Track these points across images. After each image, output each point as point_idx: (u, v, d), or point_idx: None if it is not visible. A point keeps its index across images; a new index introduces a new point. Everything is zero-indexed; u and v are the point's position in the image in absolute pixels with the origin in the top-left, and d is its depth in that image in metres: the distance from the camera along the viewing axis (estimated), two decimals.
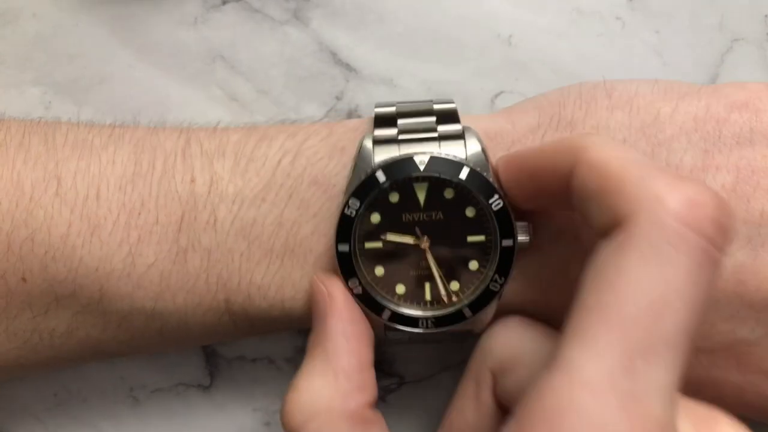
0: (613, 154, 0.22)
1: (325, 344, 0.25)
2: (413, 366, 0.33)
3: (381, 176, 0.26)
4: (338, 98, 0.33)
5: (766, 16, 0.33)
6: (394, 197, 0.26)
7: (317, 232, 0.27)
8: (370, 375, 0.26)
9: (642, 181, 0.20)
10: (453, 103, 0.27)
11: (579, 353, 0.19)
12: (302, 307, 0.27)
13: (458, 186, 0.26)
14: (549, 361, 0.20)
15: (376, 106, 0.28)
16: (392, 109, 0.27)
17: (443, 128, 0.27)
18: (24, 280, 0.26)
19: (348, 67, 0.33)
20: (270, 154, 0.27)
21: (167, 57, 0.33)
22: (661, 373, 0.19)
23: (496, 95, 0.33)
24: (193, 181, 0.27)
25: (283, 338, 0.33)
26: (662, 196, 0.20)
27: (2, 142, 0.27)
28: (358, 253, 0.26)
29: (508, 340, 0.25)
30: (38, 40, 0.33)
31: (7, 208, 0.26)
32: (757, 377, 0.25)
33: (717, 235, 0.20)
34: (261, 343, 0.33)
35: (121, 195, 0.27)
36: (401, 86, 0.33)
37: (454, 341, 0.28)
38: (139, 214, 0.27)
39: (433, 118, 0.27)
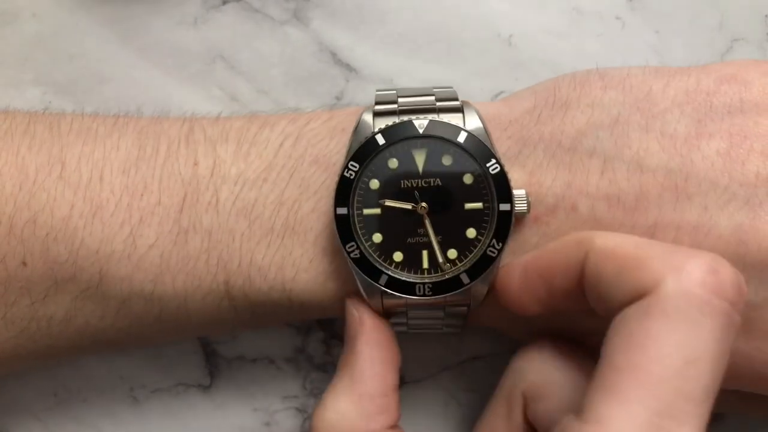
0: (619, 240, 0.23)
1: (353, 367, 0.26)
2: (413, 366, 0.33)
3: (380, 139, 0.26)
4: (338, 98, 0.33)
5: (766, 16, 0.33)
6: (393, 163, 0.26)
7: (317, 210, 0.27)
8: (393, 398, 0.26)
9: (661, 255, 0.22)
10: (452, 88, 0.28)
11: (610, 409, 0.20)
12: (302, 289, 0.27)
13: (456, 151, 0.26)
14: (579, 412, 0.21)
15: (378, 90, 0.28)
16: (393, 92, 0.28)
17: (442, 104, 0.27)
18: (24, 264, 0.26)
19: (348, 67, 0.34)
20: (272, 138, 0.28)
21: (167, 57, 0.33)
22: (686, 429, 0.20)
23: (496, 95, 0.33)
24: (196, 164, 0.27)
25: (283, 338, 0.33)
26: (684, 266, 0.21)
27: (7, 130, 0.27)
28: (356, 218, 0.26)
29: (542, 366, 0.26)
30: (38, 40, 0.33)
31: (11, 192, 0.26)
32: (765, 343, 0.25)
33: (737, 299, 0.21)
34: (261, 343, 0.33)
35: (125, 178, 0.27)
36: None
37: (452, 327, 0.28)
38: (142, 195, 0.27)
39: (433, 98, 0.27)
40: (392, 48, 0.33)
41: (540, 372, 0.26)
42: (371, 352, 0.26)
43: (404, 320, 0.28)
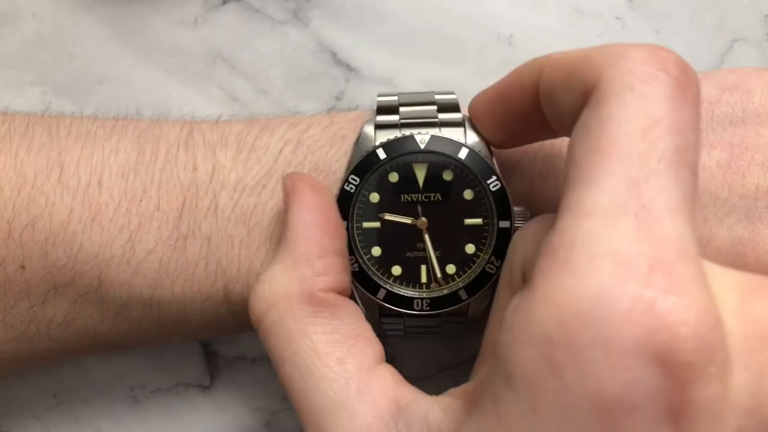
0: (570, 51, 0.22)
1: (285, 234, 0.25)
2: (413, 366, 0.33)
3: (381, 153, 0.26)
4: (338, 98, 0.33)
5: (766, 16, 0.33)
6: (394, 177, 0.27)
7: None
8: (334, 261, 0.25)
9: (604, 49, 0.21)
10: (454, 94, 0.28)
11: (581, 194, 0.19)
12: None
13: (457, 167, 0.26)
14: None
15: (379, 96, 0.28)
16: (394, 98, 0.28)
17: (444, 116, 0.27)
18: (23, 267, 0.26)
19: (348, 67, 0.33)
20: (272, 144, 0.28)
21: (167, 57, 0.33)
22: (668, 191, 0.19)
23: None
24: (195, 169, 0.27)
25: None
26: (625, 52, 0.20)
27: (6, 133, 0.28)
28: (356, 231, 0.26)
29: (534, 234, 0.24)
30: (38, 40, 0.33)
31: (9, 195, 0.26)
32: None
33: (684, 76, 0.20)
34: (261, 343, 0.33)
35: (123, 182, 0.27)
36: (401, 86, 0.33)
37: (451, 333, 0.28)
38: (141, 200, 0.27)
39: (435, 107, 0.27)
40: (392, 48, 0.33)
41: (534, 239, 0.23)
42: (304, 216, 0.24)
43: (401, 328, 0.28)
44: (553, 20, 0.33)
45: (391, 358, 0.33)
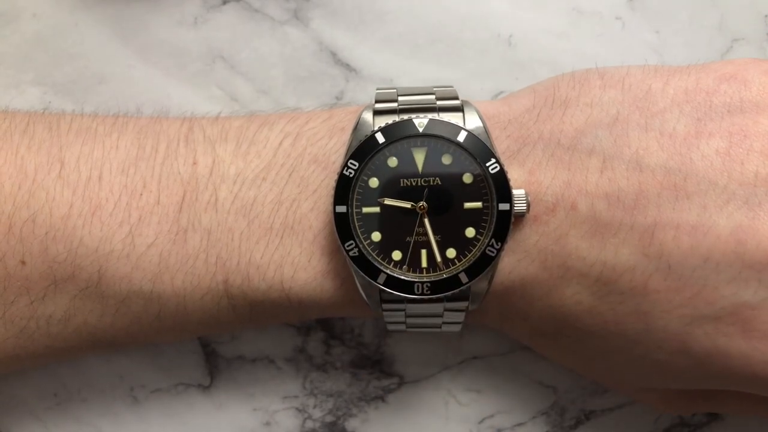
0: None
1: None
2: (413, 366, 0.33)
3: (380, 137, 0.26)
4: (338, 98, 0.33)
5: (766, 16, 0.33)
6: (393, 162, 0.27)
7: (316, 209, 0.27)
8: None
9: None
10: (452, 87, 0.28)
11: None
12: (300, 287, 0.27)
13: (456, 151, 0.26)
14: None
15: (378, 89, 0.28)
16: (393, 90, 0.28)
17: (442, 102, 0.27)
18: (23, 262, 0.26)
19: (348, 67, 0.33)
20: (271, 137, 0.28)
21: (167, 57, 0.33)
22: None
23: (496, 95, 0.33)
24: (195, 163, 0.27)
25: (283, 338, 0.33)
26: None
27: (7, 130, 0.28)
28: (355, 217, 0.26)
29: None
30: (38, 40, 0.33)
31: (9, 191, 0.26)
32: (763, 343, 0.25)
33: None
34: (261, 343, 0.33)
35: (124, 177, 0.27)
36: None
37: (452, 325, 0.28)
38: (141, 195, 0.27)
39: (433, 96, 0.27)
40: (392, 48, 0.33)
41: None
42: None
43: (403, 319, 0.28)
44: (553, 20, 0.33)
45: (392, 358, 0.33)
